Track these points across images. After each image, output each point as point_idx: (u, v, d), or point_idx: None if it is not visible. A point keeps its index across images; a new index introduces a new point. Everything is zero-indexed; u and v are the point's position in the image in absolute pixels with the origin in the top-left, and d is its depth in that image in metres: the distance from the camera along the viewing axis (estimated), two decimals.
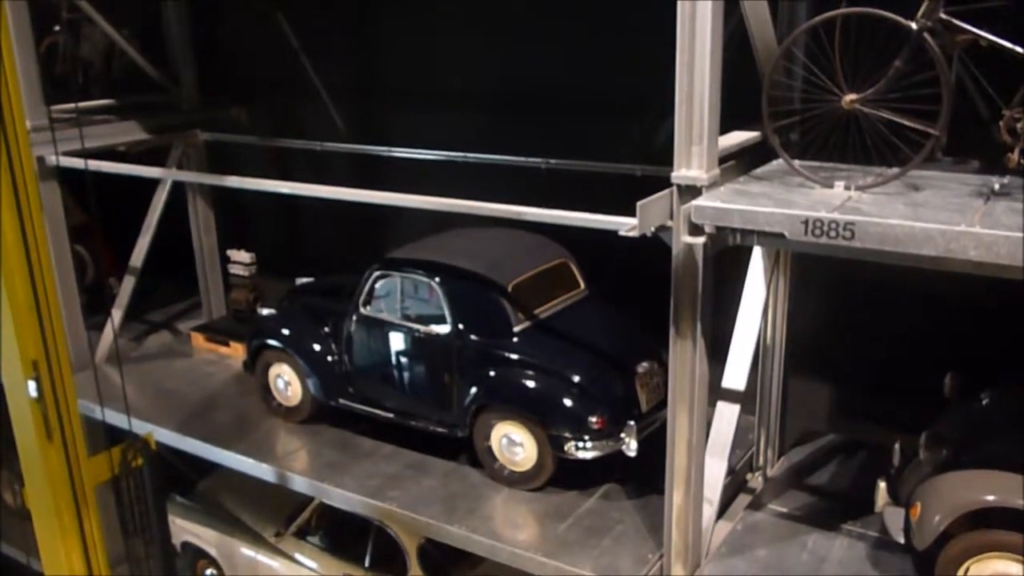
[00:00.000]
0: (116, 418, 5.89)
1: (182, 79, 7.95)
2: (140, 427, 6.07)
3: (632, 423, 5.29)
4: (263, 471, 6.11)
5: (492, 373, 5.58)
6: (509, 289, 5.69)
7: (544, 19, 6.59)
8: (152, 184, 7.61)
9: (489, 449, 5.65)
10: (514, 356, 5.56)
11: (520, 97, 6.84)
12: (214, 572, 7.48)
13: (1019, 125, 3.75)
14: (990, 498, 4.12)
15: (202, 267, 8.36)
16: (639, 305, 5.27)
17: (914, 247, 3.59)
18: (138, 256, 7.76)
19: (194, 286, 8.50)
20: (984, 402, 4.81)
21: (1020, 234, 3.41)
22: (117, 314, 7.70)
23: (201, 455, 6.51)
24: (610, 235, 4.30)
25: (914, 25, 3.88)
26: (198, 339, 8.07)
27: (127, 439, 5.24)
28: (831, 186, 4.18)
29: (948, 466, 4.38)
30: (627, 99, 6.18)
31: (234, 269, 8.05)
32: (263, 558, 7.02)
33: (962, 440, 4.51)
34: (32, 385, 4.59)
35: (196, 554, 7.53)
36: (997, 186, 4.10)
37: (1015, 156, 3.82)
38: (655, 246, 4.33)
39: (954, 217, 3.66)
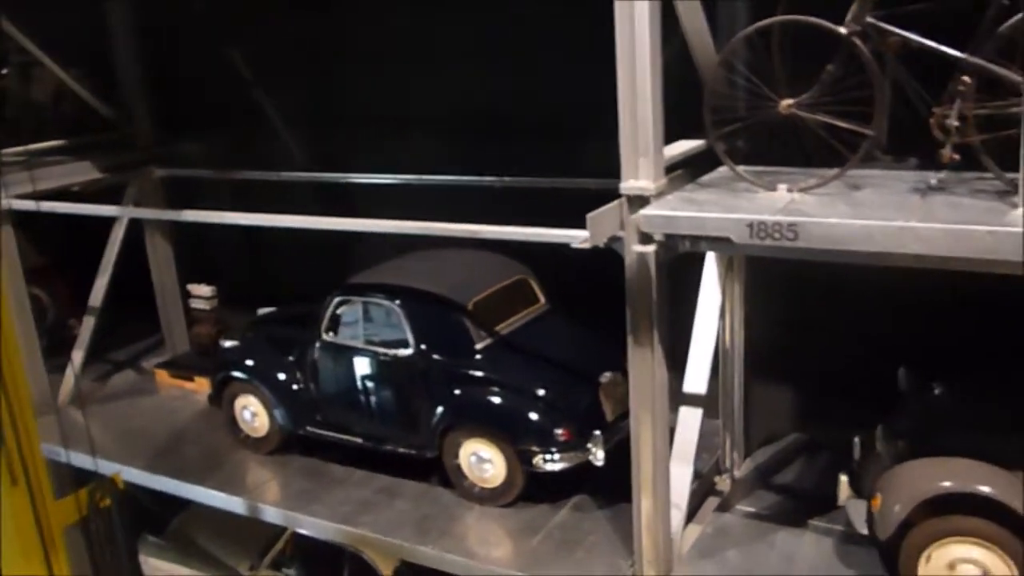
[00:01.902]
0: (82, 460, 5.84)
1: (135, 116, 7.95)
2: (108, 467, 6.01)
3: (598, 433, 5.34)
4: (234, 504, 6.09)
5: (457, 392, 5.61)
6: (470, 307, 5.75)
7: (499, 43, 6.67)
8: (111, 223, 7.58)
9: (458, 468, 5.68)
10: (478, 374, 5.60)
11: (478, 119, 6.90)
12: None
13: (948, 122, 3.87)
14: (946, 485, 4.22)
15: (163, 303, 8.32)
16: (603, 316, 5.34)
17: (855, 245, 3.69)
18: (97, 296, 7.71)
19: (156, 323, 8.45)
20: (936, 393, 4.92)
21: (956, 226, 3.53)
22: (78, 355, 7.63)
23: (171, 492, 6.47)
24: (572, 249, 4.36)
25: (843, 30, 4.01)
26: (162, 376, 8.02)
27: (94, 480, 5.22)
28: (774, 189, 4.28)
29: (905, 457, 4.48)
30: (583, 117, 6.26)
31: (195, 303, 8.03)
32: None
33: (917, 431, 4.62)
34: None
35: None
36: (934, 181, 4.23)
37: (948, 152, 3.93)
38: (615, 257, 4.41)
39: (893, 214, 3.77)
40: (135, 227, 7.81)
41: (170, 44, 8.30)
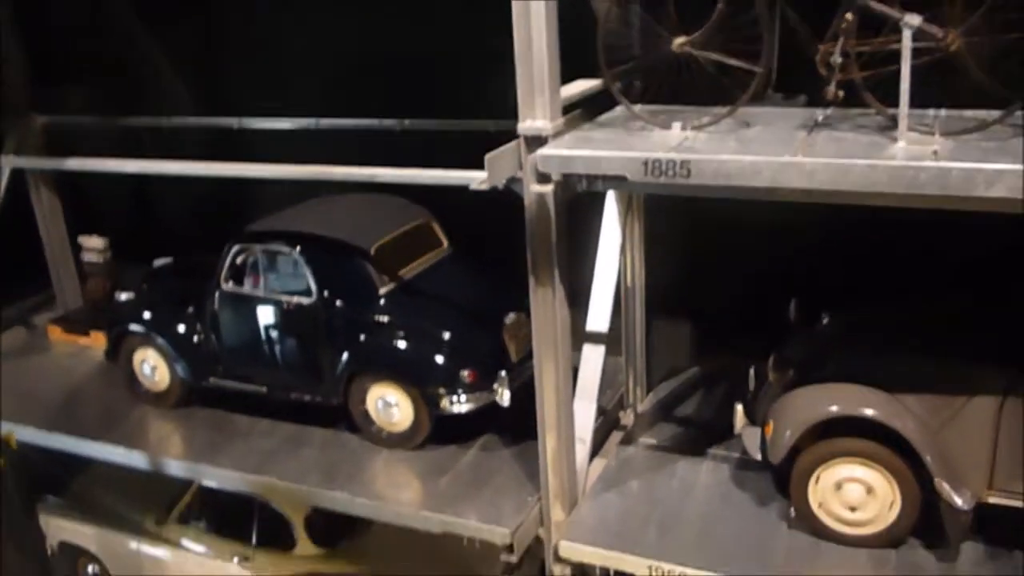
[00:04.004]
0: None
1: (10, 61, 7.50)
2: None
3: (503, 374, 5.41)
4: (136, 459, 5.95)
5: (362, 338, 5.58)
6: (372, 252, 5.69)
7: None
8: None
9: (365, 413, 5.68)
10: (382, 319, 5.58)
11: (378, 62, 6.76)
12: (96, 569, 7.27)
13: (832, 59, 3.97)
14: (833, 409, 4.42)
15: (52, 257, 7.96)
16: (506, 258, 5.35)
17: (745, 180, 3.77)
18: None
19: (46, 278, 8.11)
20: (824, 323, 5.13)
21: (838, 160, 3.64)
22: None
23: (69, 450, 6.27)
24: (473, 191, 4.33)
25: None
26: (55, 332, 7.74)
27: None
28: (669, 128, 4.34)
29: (795, 385, 4.67)
30: (482, 59, 6.20)
31: (87, 256, 7.74)
32: (147, 548, 6.87)
33: (806, 360, 4.81)
34: None
35: (75, 553, 7.30)
36: (820, 118, 4.36)
37: (832, 89, 4.04)
38: (515, 198, 4.40)
39: (780, 149, 3.86)
40: (19, 178, 7.44)
41: None
